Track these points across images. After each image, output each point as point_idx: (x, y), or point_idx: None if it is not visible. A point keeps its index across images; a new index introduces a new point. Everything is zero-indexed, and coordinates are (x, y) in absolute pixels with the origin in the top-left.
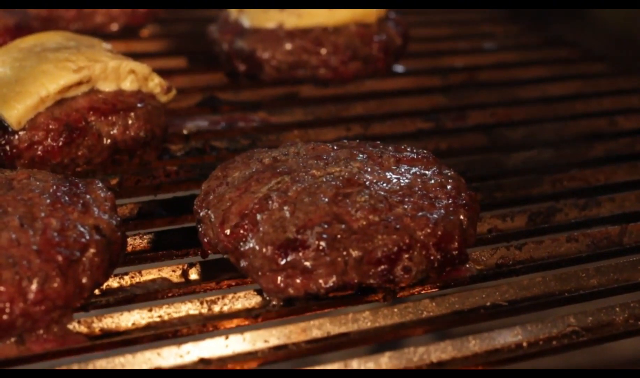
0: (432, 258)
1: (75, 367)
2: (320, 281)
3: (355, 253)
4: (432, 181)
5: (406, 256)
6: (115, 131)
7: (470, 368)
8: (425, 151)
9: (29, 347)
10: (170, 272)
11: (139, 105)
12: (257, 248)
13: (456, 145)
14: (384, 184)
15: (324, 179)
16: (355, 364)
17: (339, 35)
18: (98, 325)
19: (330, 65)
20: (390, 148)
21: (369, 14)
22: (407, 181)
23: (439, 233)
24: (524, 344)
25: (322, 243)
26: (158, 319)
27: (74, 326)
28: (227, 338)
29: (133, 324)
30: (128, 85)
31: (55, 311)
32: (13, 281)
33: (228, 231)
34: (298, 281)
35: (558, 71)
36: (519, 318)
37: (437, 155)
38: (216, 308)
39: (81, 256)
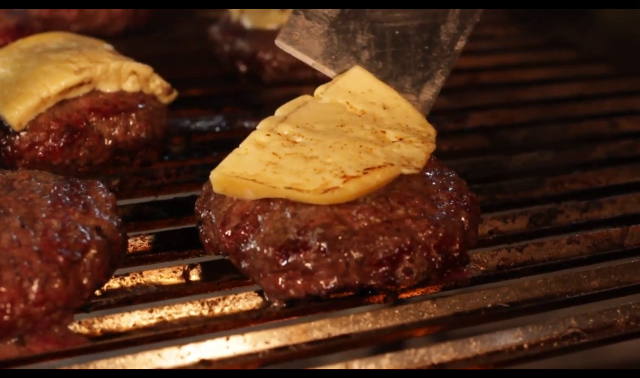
0: (433, 259)
1: (75, 367)
2: (322, 282)
3: (356, 255)
4: (434, 183)
5: (407, 257)
6: (116, 132)
7: (471, 369)
8: None
9: (29, 348)
10: (171, 273)
11: (140, 106)
12: (258, 249)
13: (457, 147)
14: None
15: None
16: (356, 365)
17: None
18: (99, 325)
19: None
20: None
21: None
22: (408, 183)
23: (440, 234)
24: (525, 346)
25: (323, 244)
26: (159, 320)
27: (74, 327)
28: (227, 339)
29: (134, 325)
30: (129, 86)
31: (56, 312)
32: (14, 282)
33: (229, 233)
34: (299, 282)
35: (559, 73)
36: (520, 319)
37: (438, 157)
38: (217, 309)
39: (82, 257)
